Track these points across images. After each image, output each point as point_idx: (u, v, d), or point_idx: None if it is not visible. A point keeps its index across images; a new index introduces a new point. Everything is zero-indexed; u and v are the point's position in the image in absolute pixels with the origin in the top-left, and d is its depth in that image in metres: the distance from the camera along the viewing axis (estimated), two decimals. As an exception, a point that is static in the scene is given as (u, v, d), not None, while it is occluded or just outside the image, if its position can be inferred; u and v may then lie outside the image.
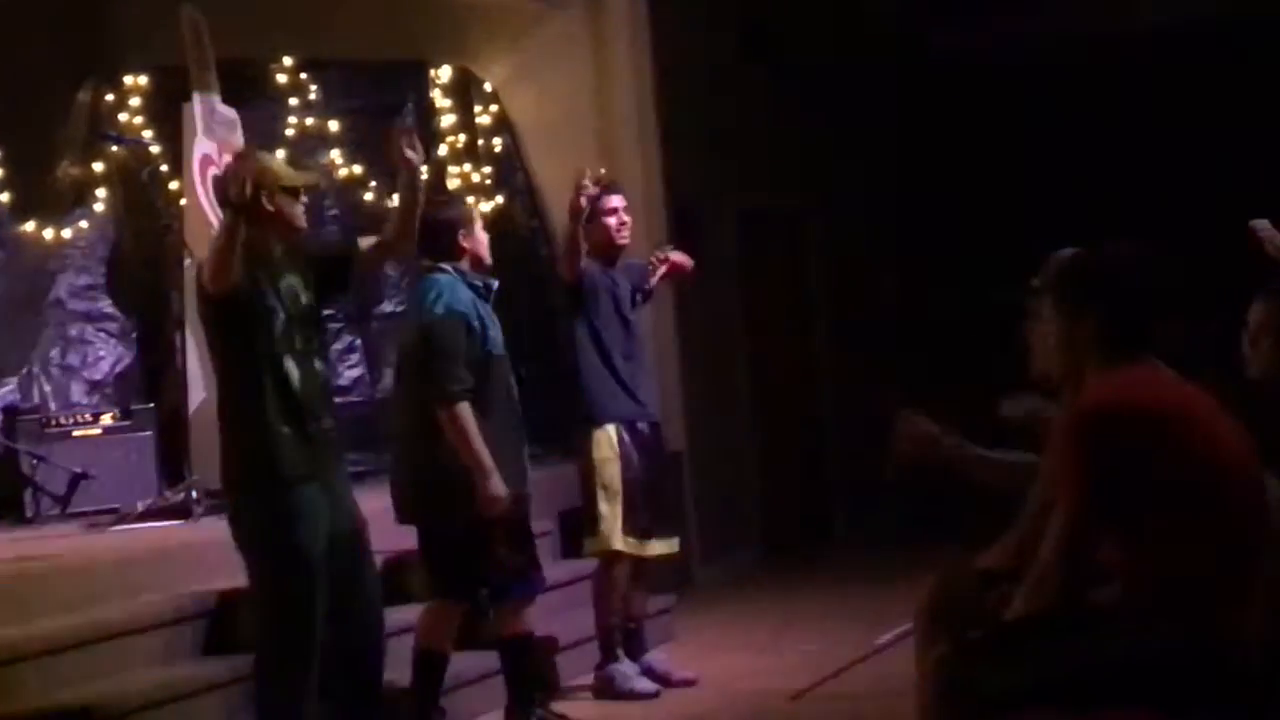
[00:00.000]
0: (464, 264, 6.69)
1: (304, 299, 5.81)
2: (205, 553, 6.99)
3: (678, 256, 7.84)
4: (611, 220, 7.48)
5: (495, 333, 6.66)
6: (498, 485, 6.38)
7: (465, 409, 6.40)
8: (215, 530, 7.45)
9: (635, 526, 7.44)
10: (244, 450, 5.70)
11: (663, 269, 7.74)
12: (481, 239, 6.80)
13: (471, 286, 6.64)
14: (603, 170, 7.65)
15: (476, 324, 6.55)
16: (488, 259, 6.83)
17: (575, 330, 7.51)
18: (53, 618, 6.18)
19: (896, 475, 4.70)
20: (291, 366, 5.68)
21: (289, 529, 5.62)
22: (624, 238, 7.56)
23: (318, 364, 5.84)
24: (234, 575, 6.80)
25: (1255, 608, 3.78)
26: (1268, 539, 3.84)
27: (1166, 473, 3.77)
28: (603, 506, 7.39)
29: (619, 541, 7.41)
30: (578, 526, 7.90)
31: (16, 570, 6.52)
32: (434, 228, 6.63)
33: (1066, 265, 4.10)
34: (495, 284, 6.78)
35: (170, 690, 6.21)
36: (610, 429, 7.43)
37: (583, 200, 7.19)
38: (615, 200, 7.54)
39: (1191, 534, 3.74)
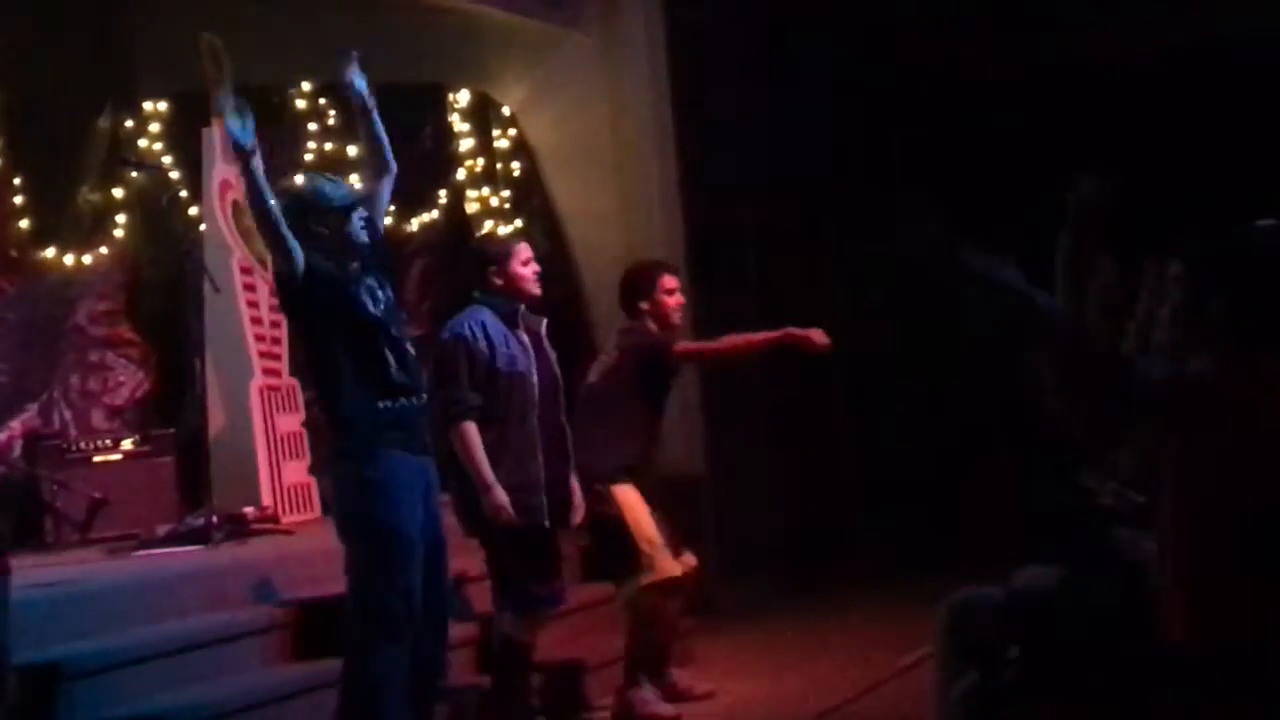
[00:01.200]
0: (499, 292, 7.01)
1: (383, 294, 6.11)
2: (225, 577, 7.05)
3: None
4: (671, 300, 7.66)
5: (514, 352, 6.90)
6: (498, 497, 6.66)
7: (468, 428, 6.73)
8: (235, 555, 7.53)
9: (672, 549, 7.50)
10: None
11: None
12: (519, 274, 7.04)
13: (495, 310, 6.94)
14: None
15: (484, 345, 6.82)
16: (530, 292, 7.08)
17: (634, 398, 7.57)
18: (80, 640, 6.22)
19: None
20: (388, 352, 5.95)
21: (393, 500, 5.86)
22: (679, 319, 7.76)
23: (408, 346, 6.13)
24: (259, 600, 6.89)
25: None
26: None
27: None
28: (644, 545, 7.42)
29: (673, 568, 7.46)
30: (603, 568, 7.95)
31: (44, 594, 6.56)
32: (466, 257, 7.25)
33: (1209, 241, 3.89)
34: (521, 307, 7.04)
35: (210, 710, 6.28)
36: (625, 486, 7.48)
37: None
38: (671, 280, 7.73)
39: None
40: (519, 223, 10.53)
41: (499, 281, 7.00)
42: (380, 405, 5.91)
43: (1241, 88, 13.09)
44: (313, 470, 8.70)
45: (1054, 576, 4.38)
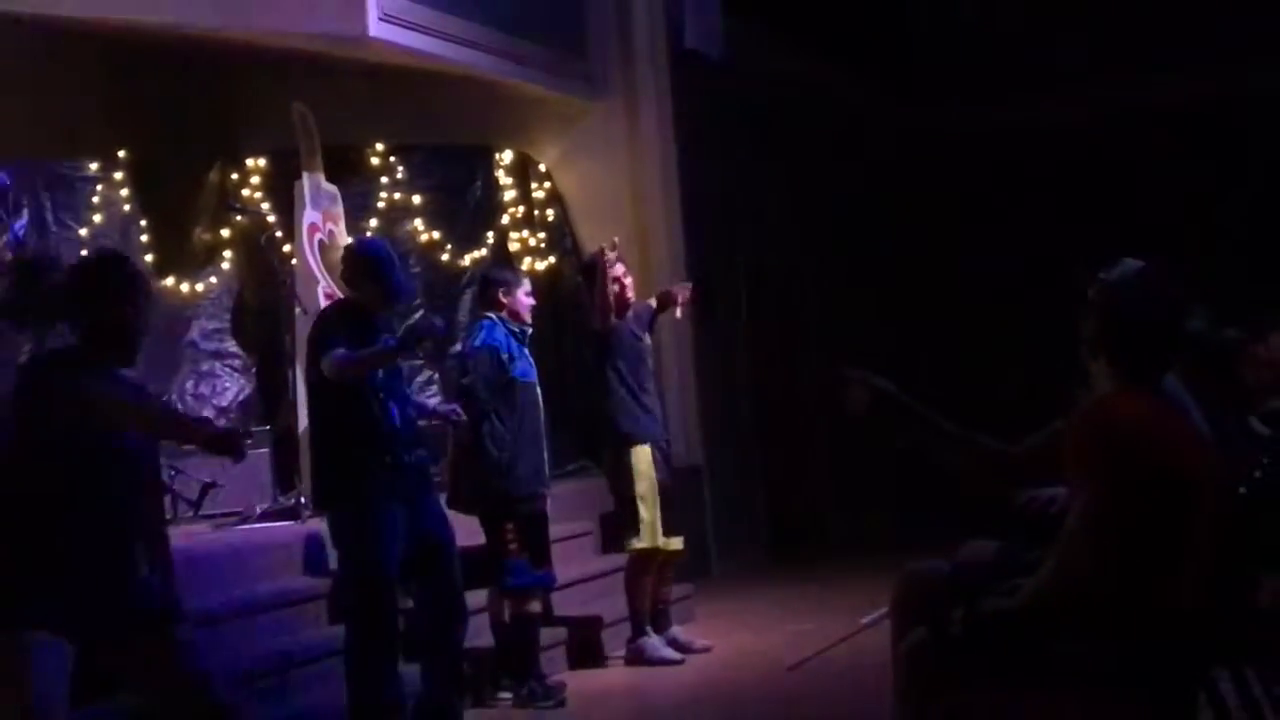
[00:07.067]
0: (504, 314, 6.90)
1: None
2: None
3: (684, 291, 7.87)
4: (614, 287, 7.54)
5: (524, 365, 6.85)
6: None
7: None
8: (319, 527, 7.48)
9: (666, 526, 7.46)
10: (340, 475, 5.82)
11: (682, 298, 7.77)
12: (522, 301, 6.96)
13: (509, 330, 6.86)
14: (616, 239, 7.68)
15: (505, 356, 6.76)
16: (525, 316, 6.98)
17: (606, 370, 7.50)
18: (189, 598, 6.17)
19: (856, 418, 4.03)
20: (393, 408, 5.80)
21: (374, 541, 5.72)
22: (630, 295, 7.63)
23: (409, 407, 5.99)
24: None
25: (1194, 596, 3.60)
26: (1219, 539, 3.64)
27: (1154, 484, 3.52)
28: (644, 512, 7.39)
29: (658, 539, 7.42)
30: (615, 528, 7.89)
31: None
32: (482, 283, 7.10)
33: (1101, 295, 3.73)
34: (529, 330, 6.99)
35: (289, 656, 6.25)
36: (645, 448, 7.44)
37: (610, 270, 7.43)
38: (619, 269, 7.61)
39: (1160, 539, 3.54)
40: (552, 259, 10.49)
41: (505, 301, 6.91)
42: (385, 460, 5.76)
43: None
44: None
45: (991, 549, 4.35)
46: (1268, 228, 12.50)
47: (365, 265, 6.01)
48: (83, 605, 4.11)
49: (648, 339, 7.70)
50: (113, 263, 4.51)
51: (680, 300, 7.77)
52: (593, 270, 7.53)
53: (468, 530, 6.63)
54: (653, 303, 7.84)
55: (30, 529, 4.14)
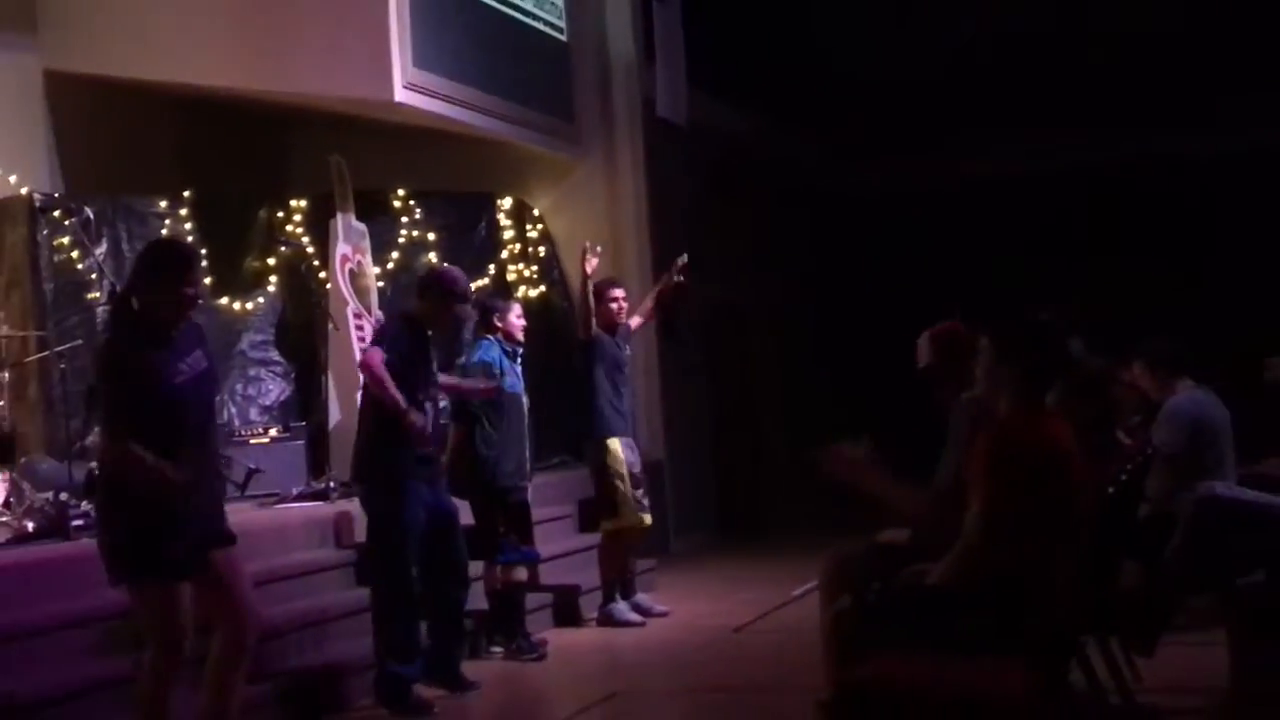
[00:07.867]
0: (499, 334, 6.90)
1: (434, 371, 6.01)
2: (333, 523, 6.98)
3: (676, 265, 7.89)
4: (614, 306, 7.56)
5: (513, 379, 6.84)
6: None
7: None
8: (346, 506, 7.45)
9: (638, 506, 7.46)
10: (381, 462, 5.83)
11: (679, 265, 7.83)
12: (514, 323, 6.94)
13: (503, 349, 6.86)
14: (599, 248, 7.64)
15: (497, 371, 6.75)
16: (518, 335, 6.96)
17: (589, 376, 7.50)
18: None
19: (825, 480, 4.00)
20: (428, 408, 5.84)
21: (401, 509, 5.73)
22: (623, 318, 7.64)
23: (436, 412, 6.03)
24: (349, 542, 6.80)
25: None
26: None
27: (1045, 488, 3.57)
28: (620, 495, 7.39)
29: (633, 518, 7.42)
30: (593, 510, 7.89)
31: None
32: (481, 309, 6.97)
33: (1009, 328, 3.84)
34: (521, 349, 6.99)
35: (320, 614, 6.22)
36: (617, 441, 7.46)
37: (588, 266, 7.34)
38: (618, 292, 7.64)
39: (1047, 533, 3.58)
40: (543, 289, 10.49)
41: (499, 325, 6.91)
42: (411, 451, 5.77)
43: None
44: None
45: (903, 535, 4.38)
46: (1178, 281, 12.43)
47: (422, 283, 6.04)
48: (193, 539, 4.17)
49: (628, 351, 7.72)
50: (162, 248, 4.54)
51: (678, 267, 7.77)
52: (589, 286, 7.47)
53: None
54: (634, 323, 7.79)
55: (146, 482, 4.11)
